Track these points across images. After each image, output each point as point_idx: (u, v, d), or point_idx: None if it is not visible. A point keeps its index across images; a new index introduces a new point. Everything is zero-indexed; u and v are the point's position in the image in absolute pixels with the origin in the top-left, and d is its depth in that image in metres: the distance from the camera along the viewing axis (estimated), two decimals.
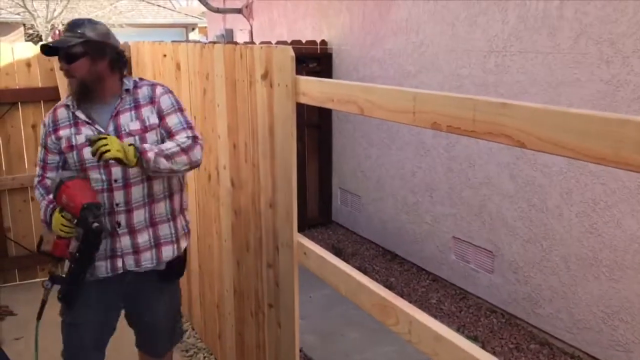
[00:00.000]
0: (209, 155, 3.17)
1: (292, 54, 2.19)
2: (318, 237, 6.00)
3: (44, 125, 2.38)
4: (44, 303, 2.35)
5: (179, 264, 2.56)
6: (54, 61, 4.37)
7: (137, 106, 2.37)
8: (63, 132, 2.33)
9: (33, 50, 4.46)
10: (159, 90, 2.43)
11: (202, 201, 3.40)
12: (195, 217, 3.54)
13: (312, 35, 6.42)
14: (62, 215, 2.21)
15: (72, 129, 2.33)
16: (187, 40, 14.01)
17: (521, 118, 1.26)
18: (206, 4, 8.83)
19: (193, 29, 25.60)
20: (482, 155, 4.26)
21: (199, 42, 3.80)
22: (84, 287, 2.31)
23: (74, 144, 2.31)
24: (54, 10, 18.06)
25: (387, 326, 1.77)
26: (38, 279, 4.66)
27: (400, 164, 5.19)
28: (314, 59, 5.99)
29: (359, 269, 4.35)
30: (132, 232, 2.38)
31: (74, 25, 2.27)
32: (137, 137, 2.32)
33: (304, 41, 6.08)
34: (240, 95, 2.69)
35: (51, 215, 2.26)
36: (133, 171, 2.31)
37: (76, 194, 2.19)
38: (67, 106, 2.36)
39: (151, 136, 2.36)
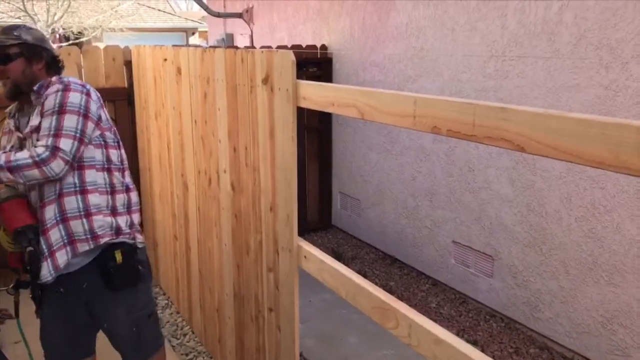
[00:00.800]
0: (209, 159, 3.17)
1: (293, 58, 2.20)
2: (318, 241, 6.00)
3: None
4: (17, 304, 2.47)
5: (121, 271, 2.35)
6: None
7: (41, 107, 2.28)
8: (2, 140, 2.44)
9: None
10: (52, 89, 2.26)
11: (202, 205, 3.41)
12: (196, 221, 3.54)
13: (313, 40, 6.44)
14: (5, 233, 2.29)
15: (9, 120, 2.45)
16: (188, 45, 14.05)
17: (521, 122, 1.27)
18: (207, 9, 8.85)
19: (193, 33, 25.66)
20: (482, 159, 4.27)
21: (199, 46, 3.82)
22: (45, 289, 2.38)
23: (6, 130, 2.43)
24: (55, 14, 18.09)
25: (387, 329, 1.78)
26: None
27: (400, 169, 5.20)
28: (314, 64, 6.01)
29: (359, 273, 4.35)
30: (44, 231, 2.29)
31: (10, 29, 2.31)
32: (29, 140, 2.30)
33: (304, 46, 6.10)
34: (240, 99, 2.70)
35: None
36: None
37: (10, 217, 2.26)
38: (8, 113, 2.44)
39: (34, 139, 2.27)
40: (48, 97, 2.22)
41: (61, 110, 2.18)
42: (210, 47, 3.07)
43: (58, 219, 2.26)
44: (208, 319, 3.63)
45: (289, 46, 6.06)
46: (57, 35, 19.15)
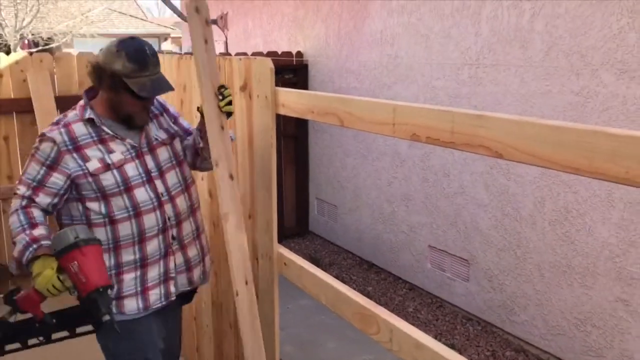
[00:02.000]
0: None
1: (272, 65, 2.20)
2: (295, 247, 6.00)
3: (53, 142, 2.02)
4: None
5: None
6: (27, 72, 4.31)
7: (154, 116, 2.27)
8: (90, 152, 2.05)
9: (5, 60, 4.39)
10: (161, 99, 2.38)
11: None
12: None
13: (288, 47, 6.45)
14: (59, 278, 1.90)
15: (100, 147, 2.08)
16: (160, 51, 13.92)
17: (498, 130, 1.30)
18: (180, 15, 8.80)
19: (165, 39, 25.47)
20: (457, 165, 4.32)
21: (173, 52, 3.79)
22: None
23: (109, 162, 2.07)
24: (23, 19, 17.77)
25: (368, 335, 1.79)
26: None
27: (377, 174, 5.23)
28: (290, 70, 6.02)
29: (337, 278, 4.36)
30: (183, 247, 2.26)
31: (155, 56, 2.10)
32: (168, 146, 2.25)
33: (280, 52, 6.11)
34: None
35: (32, 260, 1.93)
36: (173, 181, 2.22)
37: (92, 268, 1.88)
38: (87, 121, 2.09)
39: (176, 144, 2.30)
40: (169, 106, 2.39)
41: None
42: (185, 53, 3.06)
43: (203, 225, 2.44)
44: (185, 328, 3.59)
45: (265, 53, 6.07)
46: (26, 41, 18.81)
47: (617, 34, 3.20)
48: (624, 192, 3.25)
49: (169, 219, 2.18)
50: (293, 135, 6.09)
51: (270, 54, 5.94)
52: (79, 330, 2.10)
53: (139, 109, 2.12)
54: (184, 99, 3.09)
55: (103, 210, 2.07)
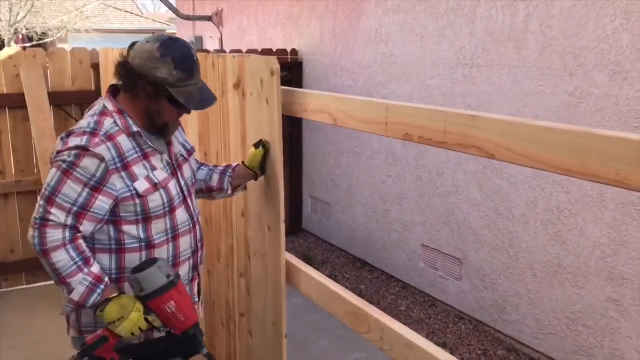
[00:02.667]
0: None
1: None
2: (288, 245, 5.99)
3: (101, 159, 1.73)
4: None
5: None
6: (20, 67, 4.29)
7: None
8: (137, 169, 1.81)
9: None
10: None
11: None
12: None
13: (283, 44, 6.44)
14: (147, 319, 1.72)
15: (145, 163, 1.84)
16: None
17: (491, 130, 1.30)
18: (176, 11, 8.77)
19: None
20: (451, 164, 4.33)
21: None
22: None
23: (156, 181, 1.85)
24: (18, 14, 17.66)
25: (360, 334, 1.79)
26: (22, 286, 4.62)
27: (371, 173, 5.23)
28: (285, 68, 6.00)
29: (329, 277, 4.36)
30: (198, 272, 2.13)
31: (198, 60, 1.91)
32: (189, 162, 2.07)
33: (274, 50, 6.10)
34: None
35: (103, 303, 1.73)
36: (195, 201, 2.07)
37: (188, 305, 1.74)
38: (134, 134, 1.83)
39: (192, 160, 2.12)
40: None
41: None
42: None
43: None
44: None
45: (260, 50, 6.05)
46: (20, 36, 18.71)
47: (610, 35, 3.21)
48: (615, 192, 3.27)
49: (198, 241, 2.04)
50: (287, 133, 6.08)
51: (265, 52, 5.93)
52: None
53: (176, 118, 1.91)
54: None
55: (142, 234, 1.85)
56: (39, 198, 1.74)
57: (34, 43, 17.86)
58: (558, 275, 3.64)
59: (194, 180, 2.10)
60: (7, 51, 4.37)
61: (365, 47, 5.11)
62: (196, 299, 2.12)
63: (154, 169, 1.85)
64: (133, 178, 1.79)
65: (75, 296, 1.72)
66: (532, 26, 3.62)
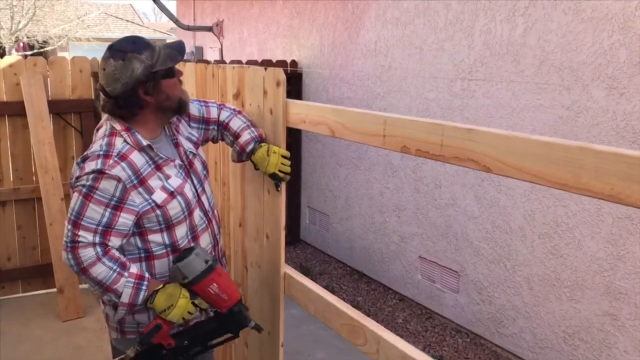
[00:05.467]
0: None
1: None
2: (286, 255, 5.96)
3: (117, 180, 1.79)
4: None
5: None
6: (20, 75, 4.31)
7: (176, 126, 2.07)
8: (153, 182, 1.87)
9: None
10: None
11: None
12: None
13: (283, 55, 6.47)
14: (194, 303, 1.86)
15: (159, 174, 1.89)
16: None
17: (487, 144, 1.31)
18: (176, 21, 8.82)
19: None
20: (448, 176, 4.34)
21: None
22: None
23: (172, 189, 1.90)
24: (19, 22, 17.75)
25: (356, 346, 1.79)
26: (18, 294, 4.59)
27: (369, 184, 5.24)
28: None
29: (327, 288, 4.35)
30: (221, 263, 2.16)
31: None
32: (198, 156, 2.09)
33: (274, 61, 6.13)
34: None
35: (150, 296, 1.85)
36: (209, 193, 2.11)
37: (229, 283, 1.89)
38: (145, 148, 1.87)
39: (200, 151, 2.14)
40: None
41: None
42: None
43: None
44: None
45: (259, 61, 6.08)
46: (21, 44, 18.78)
47: (608, 50, 3.23)
48: (613, 207, 3.27)
49: (216, 235, 2.10)
50: (286, 143, 6.09)
51: (265, 63, 5.96)
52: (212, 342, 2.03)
53: (180, 86, 1.96)
54: None
55: (167, 240, 1.92)
56: (66, 222, 1.83)
57: (35, 51, 17.92)
58: (555, 289, 3.64)
59: (206, 171, 2.13)
60: (8, 59, 4.39)
61: (365, 59, 5.14)
62: None
63: (167, 177, 1.90)
64: (150, 191, 1.85)
65: (125, 298, 1.82)
66: (530, 40, 3.65)
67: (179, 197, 1.90)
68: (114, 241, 1.82)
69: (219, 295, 1.85)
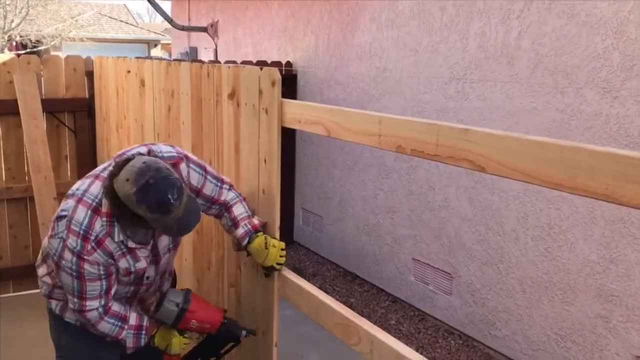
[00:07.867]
0: None
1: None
2: None
3: (97, 263, 1.94)
4: None
5: None
6: (14, 74, 4.29)
7: None
8: (121, 263, 2.02)
9: None
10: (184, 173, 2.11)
11: None
12: None
13: (278, 56, 6.47)
14: (184, 336, 2.22)
15: (129, 257, 2.03)
16: (150, 57, 13.89)
17: (482, 144, 1.31)
18: (171, 22, 8.80)
19: (155, 45, 25.42)
20: (442, 179, 4.35)
21: (162, 59, 3.79)
22: None
23: (132, 270, 2.07)
24: (12, 21, 17.66)
25: (349, 346, 1.79)
26: (9, 294, 4.56)
27: (363, 186, 5.24)
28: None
29: (320, 289, 4.34)
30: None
31: (181, 192, 1.87)
32: (171, 247, 2.22)
33: (269, 62, 6.12)
34: (206, 113, 2.70)
35: (150, 339, 2.19)
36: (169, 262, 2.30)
37: (206, 314, 2.19)
38: (115, 239, 1.98)
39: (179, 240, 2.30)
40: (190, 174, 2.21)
41: (204, 167, 2.28)
42: (175, 60, 3.06)
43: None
44: None
45: (254, 62, 6.08)
46: (14, 43, 18.68)
47: (601, 53, 3.25)
48: (605, 209, 3.29)
49: (159, 287, 2.32)
50: (280, 144, 6.08)
51: (260, 64, 5.95)
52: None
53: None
54: (171, 105, 3.09)
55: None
56: (67, 295, 2.05)
57: (28, 50, 17.82)
58: (547, 291, 3.65)
59: (170, 246, 2.20)
60: (1, 57, 4.37)
61: (359, 61, 5.14)
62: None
63: (137, 260, 2.06)
64: (117, 266, 2.03)
65: (130, 344, 2.13)
66: (524, 43, 3.66)
67: (132, 276, 2.09)
68: (112, 294, 2.07)
69: (201, 326, 2.17)
